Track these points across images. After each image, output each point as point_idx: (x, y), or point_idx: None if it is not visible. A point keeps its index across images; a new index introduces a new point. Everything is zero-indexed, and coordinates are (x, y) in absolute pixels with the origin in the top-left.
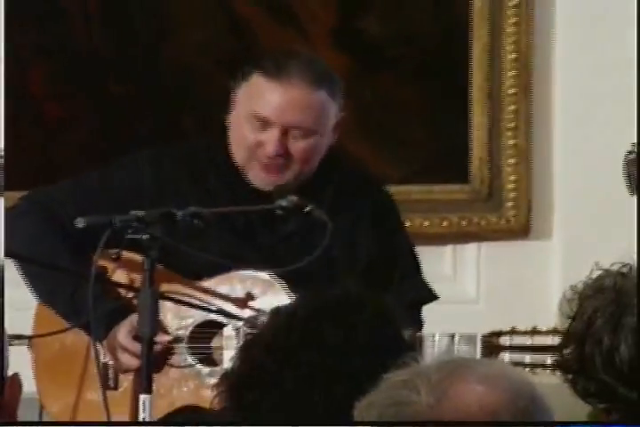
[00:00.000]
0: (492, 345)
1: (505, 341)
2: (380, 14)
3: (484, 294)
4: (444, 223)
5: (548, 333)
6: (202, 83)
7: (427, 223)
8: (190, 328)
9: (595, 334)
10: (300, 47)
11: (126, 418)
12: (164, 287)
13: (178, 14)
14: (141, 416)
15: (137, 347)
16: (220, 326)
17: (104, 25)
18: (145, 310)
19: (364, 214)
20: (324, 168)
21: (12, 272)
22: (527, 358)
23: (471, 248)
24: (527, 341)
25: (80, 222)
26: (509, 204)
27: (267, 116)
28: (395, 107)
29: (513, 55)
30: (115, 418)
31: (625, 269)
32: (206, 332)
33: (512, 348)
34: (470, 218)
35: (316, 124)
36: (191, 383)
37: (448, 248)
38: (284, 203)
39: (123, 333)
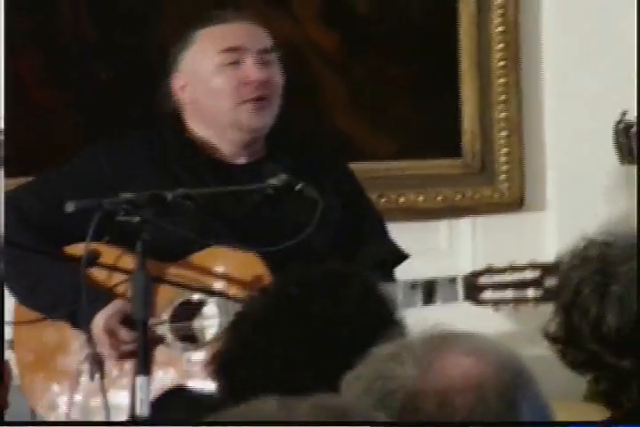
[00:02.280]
0: (473, 285)
1: (486, 279)
2: None
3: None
4: (438, 198)
5: (525, 267)
6: None
7: (421, 198)
8: (171, 309)
9: (581, 303)
10: (288, 26)
11: (123, 401)
12: (153, 269)
13: None
14: (139, 398)
15: (127, 333)
16: (201, 305)
17: (90, 11)
18: (139, 292)
19: (328, 182)
20: (276, 133)
21: None
22: (509, 294)
23: (466, 222)
24: (507, 277)
25: (69, 206)
26: (502, 176)
27: (237, 45)
28: (385, 83)
29: (501, 28)
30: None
31: (610, 239)
32: (187, 311)
33: (493, 286)
34: (464, 192)
35: (273, 50)
36: (177, 363)
37: (443, 223)
38: (274, 181)
39: (111, 318)
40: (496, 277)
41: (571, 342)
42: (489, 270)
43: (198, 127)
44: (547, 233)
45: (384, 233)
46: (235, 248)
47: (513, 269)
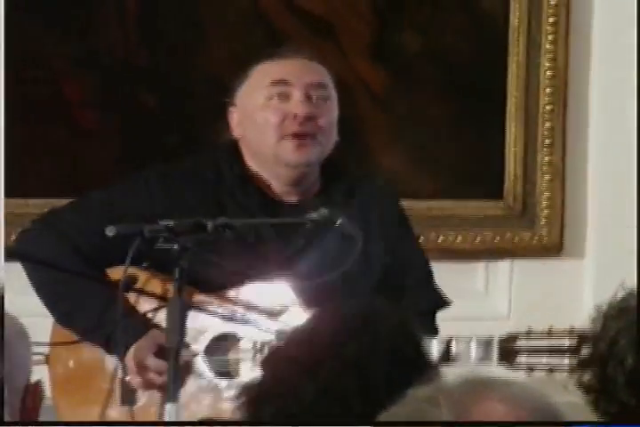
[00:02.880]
0: (508, 348)
1: (522, 343)
2: (417, 30)
3: (516, 312)
4: (478, 239)
5: (564, 334)
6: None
7: (460, 239)
8: (207, 341)
9: (618, 354)
10: (336, 61)
11: None
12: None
13: (214, 26)
14: None
15: (160, 364)
16: (236, 339)
17: (141, 37)
18: (174, 319)
19: (373, 224)
20: (332, 170)
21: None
22: (544, 360)
23: (504, 265)
24: (544, 343)
25: (110, 231)
26: (543, 221)
27: (286, 78)
28: (429, 122)
29: (550, 72)
30: None
31: None
32: (223, 345)
33: (528, 350)
34: (503, 234)
35: (330, 88)
36: (209, 396)
37: (481, 264)
38: (314, 216)
39: (147, 351)
40: (533, 342)
41: (604, 392)
42: (526, 334)
43: (252, 163)
44: (584, 280)
45: (429, 278)
46: (271, 282)
47: (551, 334)
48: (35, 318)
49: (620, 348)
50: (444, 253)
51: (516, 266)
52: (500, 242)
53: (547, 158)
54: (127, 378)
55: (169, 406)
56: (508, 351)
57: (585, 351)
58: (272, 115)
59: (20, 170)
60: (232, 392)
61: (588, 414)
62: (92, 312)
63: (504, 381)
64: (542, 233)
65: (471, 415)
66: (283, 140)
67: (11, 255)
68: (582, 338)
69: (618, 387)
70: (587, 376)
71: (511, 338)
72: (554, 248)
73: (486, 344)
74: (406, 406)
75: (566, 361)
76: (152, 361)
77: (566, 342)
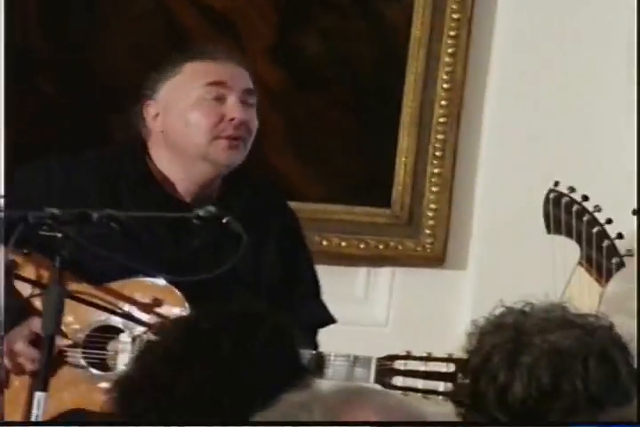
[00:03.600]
0: (386, 369)
1: (400, 365)
2: (320, 34)
3: (394, 319)
4: (361, 245)
5: (442, 360)
6: (131, 86)
7: (344, 244)
8: (87, 332)
9: (491, 370)
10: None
11: (18, 417)
12: (71, 287)
13: (114, 16)
14: (34, 414)
15: (33, 353)
16: (117, 331)
17: (41, 24)
18: (50, 307)
19: (271, 233)
20: (236, 176)
21: None
22: (420, 383)
23: (385, 272)
24: (422, 366)
25: None
26: (427, 231)
27: (223, 80)
28: (325, 126)
29: (447, 85)
30: (7, 417)
31: (527, 308)
32: (102, 336)
33: (406, 372)
34: (387, 242)
35: (255, 95)
36: (82, 386)
37: (362, 270)
38: (201, 212)
39: (20, 337)
40: (411, 365)
41: (475, 406)
42: (406, 357)
43: (161, 158)
44: (465, 293)
45: (317, 294)
46: (157, 278)
47: (429, 359)
48: None
49: (494, 364)
50: (326, 258)
51: (398, 274)
52: (383, 249)
53: (436, 170)
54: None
55: (38, 395)
56: (384, 372)
57: (460, 379)
58: (206, 116)
59: None
60: (106, 384)
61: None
62: None
63: (379, 391)
64: (426, 243)
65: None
66: (215, 141)
67: None
68: (461, 364)
69: (488, 402)
70: (457, 391)
71: (389, 358)
72: (437, 259)
73: (364, 363)
74: (278, 411)
75: (441, 387)
76: (22, 348)
77: (444, 368)
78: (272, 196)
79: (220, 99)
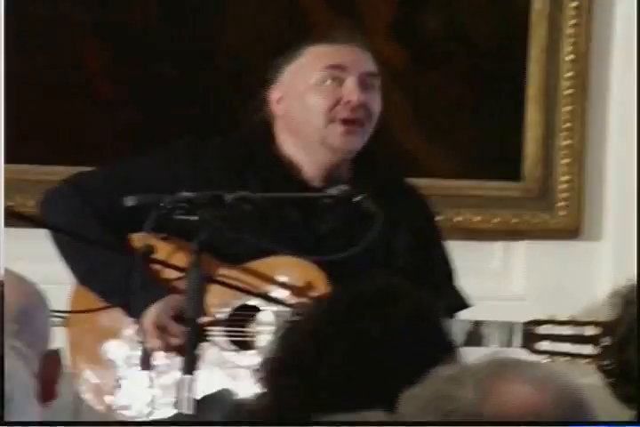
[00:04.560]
0: (531, 334)
1: (544, 330)
2: (440, 9)
3: (532, 292)
4: (495, 219)
5: (586, 323)
6: (255, 70)
7: (478, 218)
8: (227, 312)
9: (636, 338)
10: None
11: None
12: (209, 269)
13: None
14: (184, 396)
15: (176, 328)
16: (257, 310)
17: (162, 8)
18: (192, 291)
19: (402, 214)
20: (366, 158)
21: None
22: (565, 347)
23: (521, 245)
24: (566, 331)
25: (130, 201)
26: (561, 203)
27: (343, 64)
28: (450, 103)
29: (571, 56)
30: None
31: None
32: (242, 315)
33: (551, 337)
34: (521, 215)
35: (378, 78)
36: (227, 366)
37: (498, 244)
38: (333, 191)
39: (163, 312)
40: (556, 329)
41: (623, 376)
42: (550, 321)
43: (287, 142)
44: (601, 263)
45: (451, 279)
46: (294, 257)
47: (574, 323)
48: (53, 285)
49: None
50: (460, 233)
51: (534, 247)
52: (518, 223)
53: (566, 142)
54: (145, 343)
55: (185, 378)
56: (530, 337)
57: (605, 341)
58: (324, 98)
59: (49, 139)
60: (248, 364)
61: (608, 397)
62: (111, 274)
63: (529, 362)
64: (560, 216)
65: (494, 396)
66: (331, 124)
67: (35, 215)
68: (605, 327)
69: (636, 371)
70: (606, 361)
71: (533, 323)
72: (572, 230)
73: (509, 329)
74: (429, 386)
75: (587, 350)
76: (169, 324)
77: (588, 332)
78: (401, 176)
79: (339, 81)
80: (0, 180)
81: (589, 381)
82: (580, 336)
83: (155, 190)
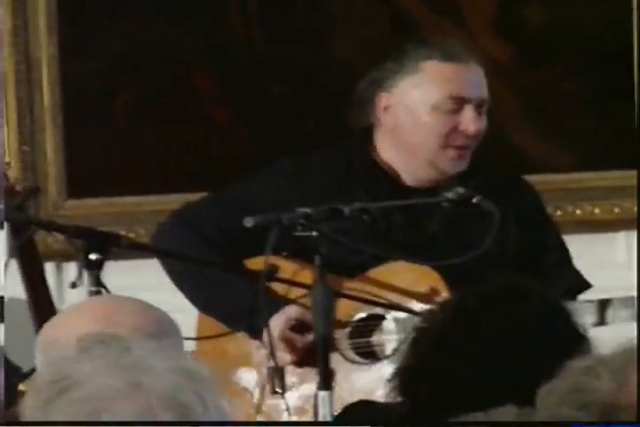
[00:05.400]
0: None
1: None
2: (541, 3)
3: None
4: (616, 209)
5: None
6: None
7: (597, 210)
8: (352, 323)
9: None
10: (461, 38)
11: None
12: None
13: (338, 12)
14: (321, 413)
15: (296, 338)
16: (380, 318)
17: (263, 26)
18: (319, 306)
19: (510, 208)
20: (478, 162)
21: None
22: None
23: None
24: None
25: (249, 222)
26: None
27: (463, 94)
28: (558, 97)
29: None
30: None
31: None
32: (366, 326)
33: None
34: None
35: (487, 102)
36: (357, 378)
37: (621, 235)
38: (450, 195)
39: (284, 323)
40: None
41: None
42: None
43: (389, 151)
44: None
45: (568, 261)
46: (411, 262)
47: None
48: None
49: None
50: (582, 226)
51: None
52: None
53: None
54: (272, 362)
55: (322, 394)
56: None
57: None
58: (442, 124)
59: (163, 167)
60: (380, 374)
61: None
62: (230, 299)
63: None
64: None
65: (632, 384)
66: (445, 150)
67: (149, 249)
68: None
69: None
70: None
71: None
72: None
73: (632, 302)
74: (565, 379)
75: None
76: (292, 336)
77: None
78: (512, 173)
79: (458, 108)
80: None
81: None
82: None
83: (262, 212)
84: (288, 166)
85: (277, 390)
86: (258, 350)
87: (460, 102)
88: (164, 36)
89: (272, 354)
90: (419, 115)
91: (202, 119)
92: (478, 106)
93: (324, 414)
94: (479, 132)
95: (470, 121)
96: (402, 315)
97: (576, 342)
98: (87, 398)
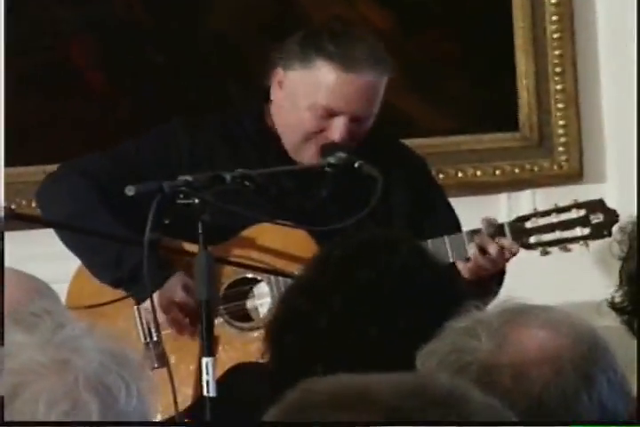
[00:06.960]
0: (520, 231)
1: (532, 224)
2: None
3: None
4: (497, 172)
5: (571, 207)
6: (244, 50)
7: (479, 173)
8: (223, 287)
9: None
10: (341, 5)
11: (190, 389)
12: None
13: None
14: (205, 379)
15: (188, 299)
16: (252, 282)
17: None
18: (202, 273)
19: (397, 172)
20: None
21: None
22: (557, 235)
23: (526, 195)
24: (554, 219)
25: (130, 190)
26: (560, 149)
27: (335, 108)
28: (438, 60)
29: (554, 0)
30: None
31: None
32: (239, 290)
33: (540, 229)
34: (522, 165)
35: (377, 109)
36: (235, 341)
37: (503, 196)
38: (332, 160)
39: (173, 287)
40: (542, 220)
41: (637, 311)
42: (534, 215)
43: (275, 119)
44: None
45: (457, 224)
46: (286, 226)
47: (558, 210)
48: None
49: None
50: (463, 188)
51: (538, 195)
52: (520, 173)
53: (559, 86)
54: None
55: (206, 360)
56: (520, 234)
57: (594, 220)
58: (310, 124)
59: (39, 139)
60: (256, 333)
61: (625, 337)
62: (119, 246)
63: (542, 307)
64: (561, 161)
65: (511, 344)
66: (308, 144)
67: (37, 196)
68: (589, 207)
69: None
70: (618, 298)
71: (520, 219)
72: (574, 175)
73: (499, 227)
74: (445, 339)
75: (578, 232)
76: (180, 295)
77: (574, 215)
78: (395, 138)
79: (331, 115)
80: (0, 181)
81: (605, 323)
82: (569, 221)
83: (159, 170)
84: (182, 127)
85: (155, 365)
86: (134, 327)
87: (329, 112)
88: (45, 10)
89: (155, 323)
90: (298, 106)
91: (83, 90)
92: (354, 119)
93: (209, 381)
94: (344, 142)
95: (336, 130)
96: (274, 278)
97: (454, 297)
98: (15, 370)
